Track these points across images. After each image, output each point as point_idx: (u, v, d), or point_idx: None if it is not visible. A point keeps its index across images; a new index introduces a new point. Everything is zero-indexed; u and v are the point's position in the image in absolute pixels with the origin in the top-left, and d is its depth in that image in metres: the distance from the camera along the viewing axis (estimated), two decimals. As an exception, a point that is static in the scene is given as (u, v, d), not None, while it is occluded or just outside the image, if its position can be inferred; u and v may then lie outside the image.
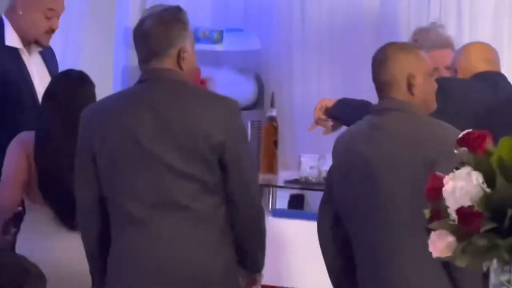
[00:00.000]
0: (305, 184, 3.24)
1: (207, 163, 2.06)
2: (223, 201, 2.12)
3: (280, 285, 3.01)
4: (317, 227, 2.20)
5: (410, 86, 1.99)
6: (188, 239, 2.09)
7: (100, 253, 2.17)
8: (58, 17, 3.04)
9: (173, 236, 2.09)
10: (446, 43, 3.17)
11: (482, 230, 1.07)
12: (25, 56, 3.01)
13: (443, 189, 1.11)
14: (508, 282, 1.14)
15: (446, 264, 1.81)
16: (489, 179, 1.09)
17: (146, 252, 2.09)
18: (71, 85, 2.54)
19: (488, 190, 1.09)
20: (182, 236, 2.09)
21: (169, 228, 2.08)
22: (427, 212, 1.16)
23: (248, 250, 2.19)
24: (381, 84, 2.04)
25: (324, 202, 2.23)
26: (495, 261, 1.13)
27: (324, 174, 3.08)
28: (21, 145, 2.59)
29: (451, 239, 1.09)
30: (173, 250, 2.08)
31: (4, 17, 3.00)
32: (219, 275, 2.09)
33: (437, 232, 1.11)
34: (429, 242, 1.12)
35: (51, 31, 3.02)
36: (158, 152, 2.06)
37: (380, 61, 2.04)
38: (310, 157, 3.21)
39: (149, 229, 2.09)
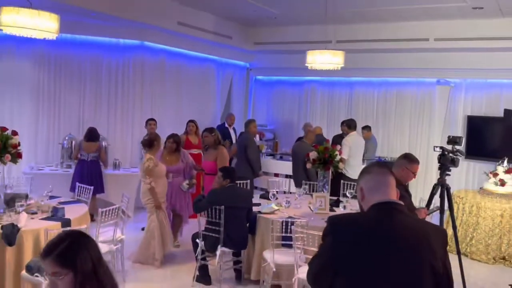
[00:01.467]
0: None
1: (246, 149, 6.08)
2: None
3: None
4: None
5: None
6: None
7: None
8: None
9: None
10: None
11: (317, 163, 4.98)
12: (229, 129, 7.35)
13: (310, 156, 5.02)
14: (323, 177, 4.99)
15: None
16: (320, 157, 5.02)
17: None
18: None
19: (318, 155, 5.02)
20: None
21: None
22: (309, 160, 5.05)
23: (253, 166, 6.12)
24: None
25: None
26: (320, 170, 5.05)
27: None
28: None
29: (310, 164, 5.04)
30: None
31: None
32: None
33: (309, 163, 5.03)
34: (307, 164, 5.03)
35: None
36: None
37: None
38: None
39: None
